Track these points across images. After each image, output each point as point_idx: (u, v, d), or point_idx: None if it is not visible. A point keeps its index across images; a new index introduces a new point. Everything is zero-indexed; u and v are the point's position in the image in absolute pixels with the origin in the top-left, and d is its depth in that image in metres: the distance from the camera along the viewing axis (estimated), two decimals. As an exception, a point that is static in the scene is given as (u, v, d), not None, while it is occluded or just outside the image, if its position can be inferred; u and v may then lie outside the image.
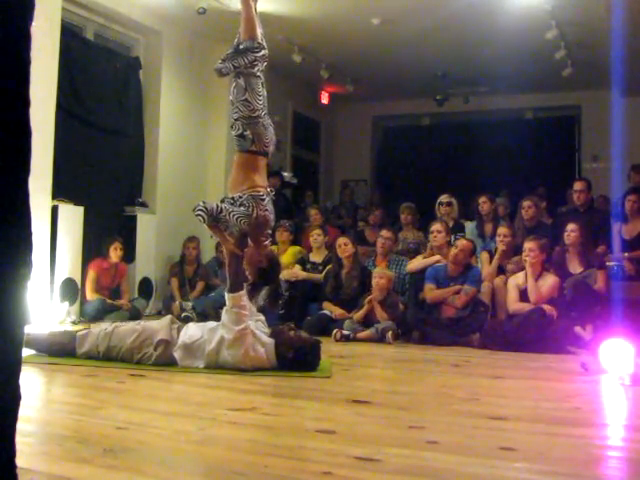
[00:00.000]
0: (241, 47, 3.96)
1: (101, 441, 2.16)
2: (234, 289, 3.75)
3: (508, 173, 10.23)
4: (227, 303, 3.73)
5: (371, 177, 12.25)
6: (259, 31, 4.04)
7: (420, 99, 10.91)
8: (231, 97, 3.94)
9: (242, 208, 3.83)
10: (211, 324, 3.92)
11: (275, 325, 4.12)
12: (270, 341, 3.76)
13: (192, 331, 3.83)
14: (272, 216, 3.97)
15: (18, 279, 1.28)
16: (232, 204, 3.88)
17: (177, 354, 3.77)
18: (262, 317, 4.02)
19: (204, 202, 3.90)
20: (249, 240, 3.89)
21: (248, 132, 3.85)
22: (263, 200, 3.85)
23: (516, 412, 2.87)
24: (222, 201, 3.96)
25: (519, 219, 6.84)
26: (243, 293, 3.73)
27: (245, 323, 3.68)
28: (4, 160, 1.25)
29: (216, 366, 3.71)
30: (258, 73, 3.94)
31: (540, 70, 9.17)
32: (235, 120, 3.89)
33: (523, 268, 5.64)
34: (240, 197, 3.85)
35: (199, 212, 3.82)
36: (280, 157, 10.63)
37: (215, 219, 3.83)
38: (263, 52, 3.99)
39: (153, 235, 7.67)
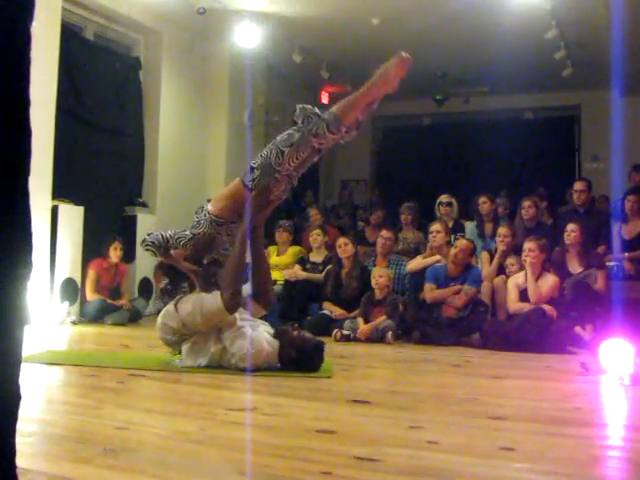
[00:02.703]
0: (324, 115, 3.66)
1: (101, 441, 2.16)
2: (228, 307, 3.72)
3: (508, 173, 10.23)
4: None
5: (371, 177, 12.25)
6: (351, 118, 3.71)
7: (420, 99, 10.90)
8: (278, 137, 3.78)
9: (187, 232, 3.81)
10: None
11: (278, 326, 4.12)
12: (274, 342, 3.76)
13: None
14: (225, 238, 3.87)
15: (18, 279, 1.28)
16: (197, 214, 3.85)
17: (184, 348, 3.79)
18: (262, 321, 4.02)
19: (148, 235, 3.89)
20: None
21: (258, 173, 3.71)
22: (220, 226, 3.80)
23: (516, 412, 2.87)
24: (201, 209, 3.91)
25: (519, 219, 6.84)
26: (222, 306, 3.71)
27: (237, 323, 3.70)
28: (4, 160, 1.25)
29: (218, 365, 3.71)
30: (314, 144, 3.68)
31: (540, 70, 9.17)
32: (261, 156, 3.74)
33: (523, 264, 5.66)
34: (205, 215, 3.80)
35: (148, 248, 3.83)
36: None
37: (165, 249, 3.83)
38: (333, 137, 3.66)
39: (153, 235, 7.66)
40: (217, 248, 3.92)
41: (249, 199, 3.71)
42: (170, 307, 3.83)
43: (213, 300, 3.68)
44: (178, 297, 3.92)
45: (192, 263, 3.89)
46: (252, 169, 3.73)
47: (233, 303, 3.64)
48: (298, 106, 3.71)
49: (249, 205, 3.71)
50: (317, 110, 3.67)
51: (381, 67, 3.67)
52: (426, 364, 4.64)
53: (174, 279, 4.00)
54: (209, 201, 3.98)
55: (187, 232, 3.82)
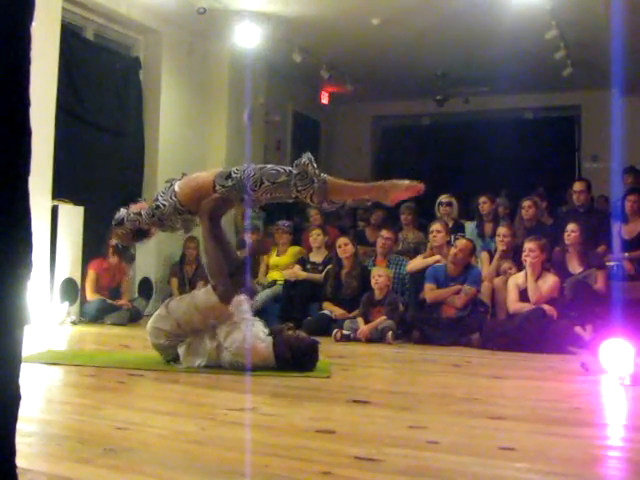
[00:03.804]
0: (316, 183, 3.63)
1: (101, 441, 2.16)
2: (223, 299, 3.74)
3: (508, 173, 10.22)
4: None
5: (371, 177, 12.24)
6: (339, 198, 3.77)
7: (420, 99, 10.91)
8: (269, 165, 3.78)
9: (155, 218, 3.89)
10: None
11: (274, 325, 4.12)
12: (269, 339, 3.76)
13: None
14: (177, 225, 4.00)
15: (18, 279, 1.28)
16: (166, 182, 3.92)
17: (181, 350, 3.78)
18: (259, 320, 4.02)
19: (128, 215, 3.95)
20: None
21: (231, 184, 3.72)
22: (180, 214, 3.87)
23: (516, 412, 2.87)
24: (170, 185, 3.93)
25: (519, 219, 6.84)
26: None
27: (235, 316, 3.72)
28: (4, 160, 1.25)
29: (216, 364, 3.70)
30: (293, 194, 3.68)
31: (540, 70, 9.17)
32: (244, 171, 3.72)
33: (519, 267, 5.66)
34: (172, 197, 3.83)
35: (123, 232, 3.98)
36: (280, 157, 10.63)
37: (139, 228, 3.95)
38: (312, 202, 3.73)
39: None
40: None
41: (253, 201, 3.76)
42: (161, 310, 3.89)
43: (206, 296, 3.75)
44: (168, 300, 3.96)
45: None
46: (229, 176, 3.72)
47: (227, 295, 3.72)
48: (306, 157, 3.67)
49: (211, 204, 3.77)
50: (315, 176, 3.64)
51: (394, 181, 3.76)
52: (426, 364, 4.64)
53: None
54: (184, 175, 3.99)
55: (155, 218, 3.89)
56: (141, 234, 4.07)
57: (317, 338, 4.02)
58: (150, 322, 3.89)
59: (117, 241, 4.27)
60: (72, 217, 6.52)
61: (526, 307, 5.41)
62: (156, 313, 3.93)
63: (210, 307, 3.72)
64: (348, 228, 8.69)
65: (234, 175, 3.73)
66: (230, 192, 3.74)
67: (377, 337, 5.58)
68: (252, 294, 4.16)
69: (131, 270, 7.29)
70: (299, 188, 3.63)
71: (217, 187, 3.75)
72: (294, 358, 3.70)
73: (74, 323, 6.25)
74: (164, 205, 3.84)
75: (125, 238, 4.12)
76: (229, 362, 3.67)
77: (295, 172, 3.65)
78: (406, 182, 3.74)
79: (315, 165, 3.67)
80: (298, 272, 6.68)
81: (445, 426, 2.56)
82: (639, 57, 7.55)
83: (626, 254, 6.08)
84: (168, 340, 3.80)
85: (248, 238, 7.27)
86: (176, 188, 3.84)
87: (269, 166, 3.78)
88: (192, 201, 3.82)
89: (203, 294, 3.80)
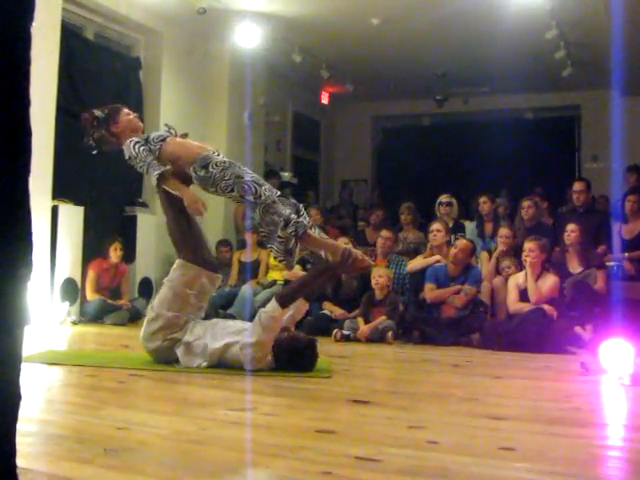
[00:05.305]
0: (282, 239, 3.57)
1: (101, 441, 2.16)
2: (285, 303, 3.68)
3: (508, 173, 10.23)
4: (269, 307, 3.66)
5: (371, 177, 12.26)
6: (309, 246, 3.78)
7: (420, 99, 10.92)
8: (248, 177, 3.73)
9: (145, 146, 4.02)
10: (219, 322, 3.92)
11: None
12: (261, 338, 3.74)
13: (196, 329, 3.81)
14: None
15: (18, 279, 1.28)
16: (155, 140, 3.98)
17: (179, 351, 3.76)
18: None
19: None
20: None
21: (203, 175, 3.72)
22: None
23: (516, 412, 2.87)
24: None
25: (519, 219, 6.84)
26: (284, 314, 3.69)
27: (274, 333, 3.67)
28: (4, 160, 1.25)
29: (218, 363, 3.68)
30: (254, 213, 3.71)
31: (540, 70, 9.17)
32: (223, 170, 3.68)
33: (519, 266, 5.66)
34: (156, 149, 3.97)
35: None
36: (280, 157, 10.64)
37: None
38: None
39: (153, 235, 7.66)
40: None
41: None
42: (148, 314, 3.92)
43: (181, 270, 3.85)
44: (149, 305, 3.96)
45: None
46: (206, 167, 3.70)
47: (196, 257, 3.90)
48: (291, 219, 3.60)
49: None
50: (287, 237, 3.59)
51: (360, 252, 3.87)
52: (426, 364, 4.64)
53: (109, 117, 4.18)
54: (183, 135, 4.03)
55: (137, 148, 4.06)
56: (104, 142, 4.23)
57: (317, 338, 4.00)
58: (142, 330, 3.87)
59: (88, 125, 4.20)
60: (72, 217, 6.52)
61: (526, 307, 5.41)
62: (145, 320, 3.92)
63: (193, 276, 3.81)
64: (348, 228, 8.70)
65: (211, 170, 3.69)
66: (197, 180, 3.75)
67: (377, 337, 5.59)
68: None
69: (131, 270, 7.29)
70: (263, 223, 3.65)
71: (190, 169, 3.75)
72: (291, 359, 3.68)
73: (74, 323, 6.24)
74: (150, 149, 3.93)
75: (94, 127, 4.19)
76: (236, 362, 3.63)
77: (260, 203, 3.63)
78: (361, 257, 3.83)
79: (293, 229, 3.57)
80: (298, 272, 6.67)
81: (445, 426, 2.56)
82: (639, 57, 7.55)
83: (626, 254, 6.08)
84: (166, 339, 3.76)
85: (248, 238, 7.26)
86: (164, 144, 3.89)
87: (247, 178, 3.69)
88: (164, 162, 3.90)
89: (177, 271, 3.86)
